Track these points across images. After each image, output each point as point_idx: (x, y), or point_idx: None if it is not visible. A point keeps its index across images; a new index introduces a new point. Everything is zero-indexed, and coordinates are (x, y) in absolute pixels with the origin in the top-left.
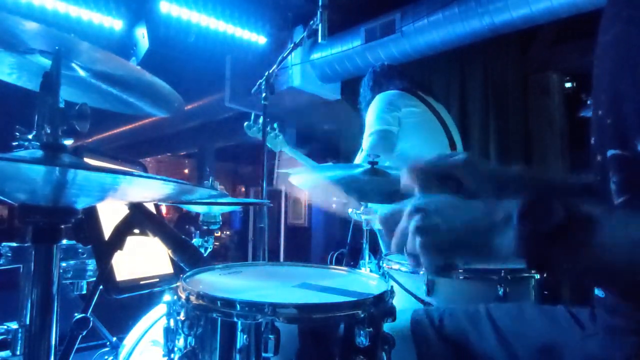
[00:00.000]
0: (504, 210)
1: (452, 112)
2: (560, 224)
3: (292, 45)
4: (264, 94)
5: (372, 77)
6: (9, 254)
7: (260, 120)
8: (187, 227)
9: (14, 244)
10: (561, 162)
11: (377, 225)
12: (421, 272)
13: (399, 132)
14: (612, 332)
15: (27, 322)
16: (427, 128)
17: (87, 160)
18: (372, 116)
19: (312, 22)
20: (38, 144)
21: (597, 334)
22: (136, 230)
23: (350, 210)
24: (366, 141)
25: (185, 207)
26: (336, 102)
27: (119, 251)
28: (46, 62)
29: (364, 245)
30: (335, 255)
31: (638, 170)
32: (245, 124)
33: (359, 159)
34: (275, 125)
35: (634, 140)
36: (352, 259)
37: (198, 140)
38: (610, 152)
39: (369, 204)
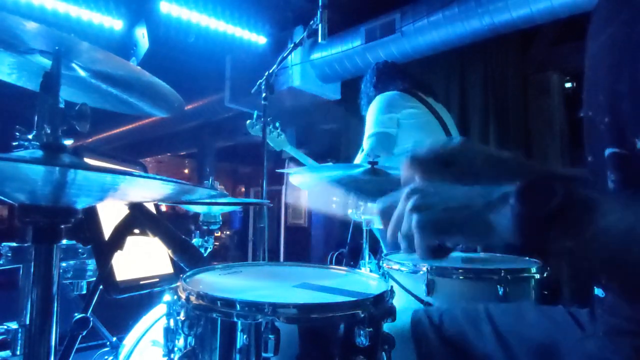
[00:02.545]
0: (501, 191)
1: (452, 112)
2: (559, 205)
3: (292, 45)
4: (264, 94)
5: (375, 74)
6: (9, 254)
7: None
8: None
9: (14, 244)
10: (561, 162)
11: (376, 226)
12: (419, 265)
13: (398, 134)
14: (611, 333)
15: (27, 322)
16: (427, 129)
17: (87, 160)
18: (371, 118)
19: (312, 22)
20: (38, 144)
21: (596, 335)
22: (136, 230)
23: (350, 210)
24: (366, 143)
25: (185, 207)
26: (336, 102)
27: (119, 251)
28: (46, 62)
29: (364, 245)
30: (335, 255)
31: (637, 168)
32: (248, 122)
33: (358, 158)
34: (277, 124)
35: (633, 138)
36: (352, 259)
37: (198, 140)
38: (608, 151)
39: (369, 204)
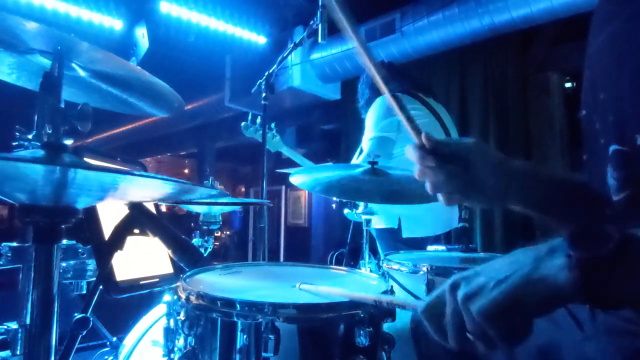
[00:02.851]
0: (549, 245)
1: (452, 112)
2: (616, 248)
3: (292, 45)
4: (264, 94)
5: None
6: (9, 254)
7: (258, 120)
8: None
9: (14, 244)
10: (561, 162)
11: (375, 226)
12: (419, 265)
13: (398, 136)
14: (612, 333)
15: (27, 322)
16: (427, 129)
17: (87, 160)
18: (370, 121)
19: (312, 22)
20: (38, 144)
21: (596, 336)
22: (136, 230)
23: (348, 210)
24: (365, 145)
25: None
26: (336, 102)
27: (119, 251)
28: (46, 62)
29: (364, 245)
30: (335, 255)
31: (638, 165)
32: (243, 124)
33: (357, 159)
34: (272, 125)
35: (634, 134)
36: (352, 259)
37: (198, 140)
38: (612, 148)
39: (369, 204)
